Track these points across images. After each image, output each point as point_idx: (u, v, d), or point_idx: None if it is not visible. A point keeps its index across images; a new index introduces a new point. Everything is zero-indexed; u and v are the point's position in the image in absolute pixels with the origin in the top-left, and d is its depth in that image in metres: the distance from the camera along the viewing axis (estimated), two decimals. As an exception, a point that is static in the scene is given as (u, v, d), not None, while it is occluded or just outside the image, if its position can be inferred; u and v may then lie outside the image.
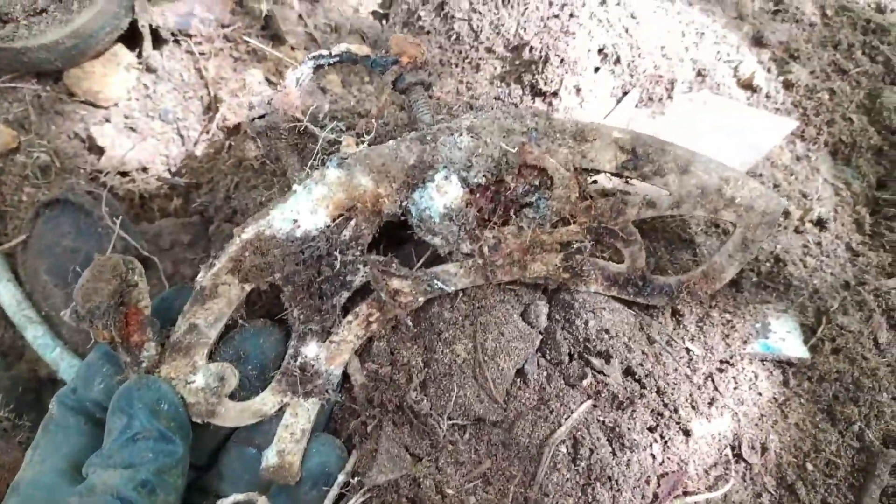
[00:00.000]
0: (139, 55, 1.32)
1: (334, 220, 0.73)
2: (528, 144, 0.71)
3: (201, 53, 1.31)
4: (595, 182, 0.87)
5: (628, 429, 0.88)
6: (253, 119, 0.74)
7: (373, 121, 0.79)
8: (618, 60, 1.18)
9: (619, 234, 0.78)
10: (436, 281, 0.80)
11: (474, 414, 0.88)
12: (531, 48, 1.16)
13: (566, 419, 0.88)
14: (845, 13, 1.37)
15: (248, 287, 0.74)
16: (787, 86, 1.27)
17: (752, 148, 1.17)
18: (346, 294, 0.78)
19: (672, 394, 0.91)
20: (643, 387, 0.91)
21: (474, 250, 0.77)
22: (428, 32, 1.26)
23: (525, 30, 1.19)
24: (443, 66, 1.25)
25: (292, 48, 1.33)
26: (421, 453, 0.87)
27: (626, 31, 1.20)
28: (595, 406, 0.90)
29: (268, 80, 1.29)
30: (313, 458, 0.80)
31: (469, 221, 0.74)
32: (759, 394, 0.95)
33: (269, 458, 0.77)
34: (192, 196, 1.25)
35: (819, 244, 1.09)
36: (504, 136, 0.72)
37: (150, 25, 1.28)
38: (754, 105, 1.24)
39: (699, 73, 1.24)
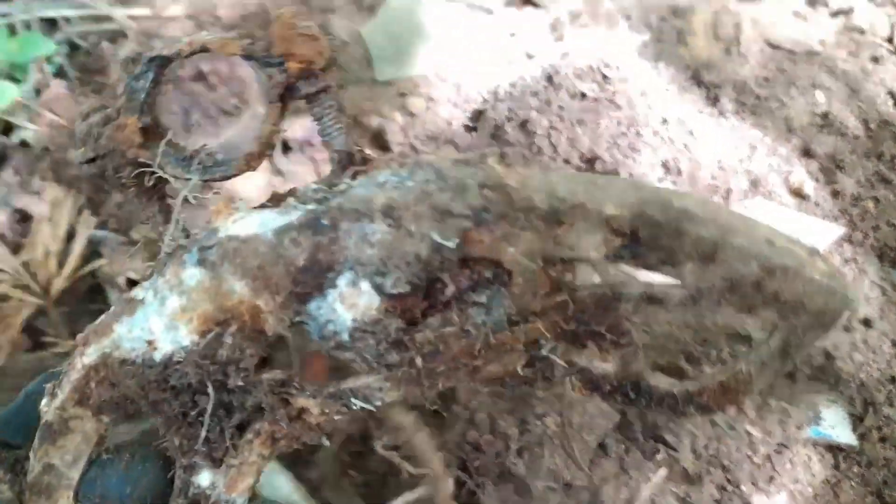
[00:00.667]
0: (270, 159, 1.56)
1: (203, 336, 0.52)
2: (476, 231, 0.49)
3: (321, 160, 1.54)
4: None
5: (697, 500, 1.03)
6: (81, 163, 0.53)
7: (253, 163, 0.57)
8: (679, 172, 1.36)
9: (605, 335, 0.59)
10: (354, 400, 0.56)
11: (563, 479, 1.04)
12: (603, 161, 1.35)
13: (645, 486, 1.03)
14: (887, 127, 1.52)
15: (105, 419, 0.56)
16: (834, 194, 1.42)
17: (802, 250, 1.33)
18: (238, 417, 0.57)
19: (735, 471, 1.06)
20: (709, 464, 1.06)
21: (403, 361, 0.54)
22: (512, 144, 1.47)
23: (597, 145, 1.38)
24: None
25: (395, 155, 1.55)
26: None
27: (686, 146, 1.38)
28: (668, 478, 1.05)
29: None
30: None
31: (391, 333, 0.52)
32: (813, 475, 1.08)
33: None
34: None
35: (866, 341, 1.23)
36: (438, 222, 0.49)
37: (282, 137, 1.53)
38: (804, 211, 1.40)
39: (753, 183, 1.41)
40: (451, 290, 0.51)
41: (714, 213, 0.53)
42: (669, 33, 1.60)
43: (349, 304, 0.51)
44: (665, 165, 1.35)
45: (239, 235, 0.51)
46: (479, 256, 0.51)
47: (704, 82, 1.55)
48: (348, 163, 0.52)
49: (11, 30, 1.82)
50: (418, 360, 0.53)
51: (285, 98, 0.55)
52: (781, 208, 1.38)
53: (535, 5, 1.90)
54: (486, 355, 0.54)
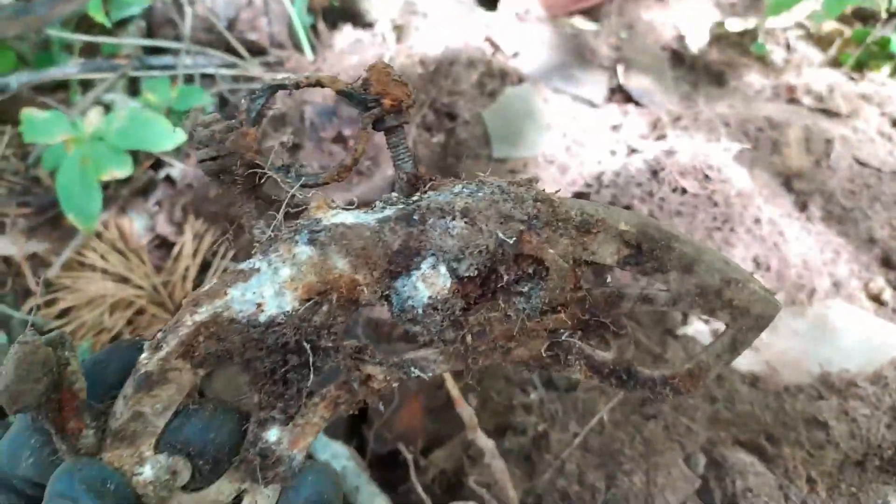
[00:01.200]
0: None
1: (303, 303, 0.61)
2: (528, 234, 0.61)
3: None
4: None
5: (767, 570, 1.12)
6: (203, 160, 0.61)
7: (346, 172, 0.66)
8: (768, 268, 1.48)
9: (609, 326, 0.70)
10: (413, 368, 0.70)
11: None
12: (698, 251, 1.49)
13: (719, 551, 1.13)
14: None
15: (202, 372, 0.62)
16: (912, 304, 1.53)
17: (877, 351, 1.42)
18: (315, 380, 0.67)
19: (806, 546, 1.14)
20: (782, 536, 1.15)
21: (457, 338, 0.67)
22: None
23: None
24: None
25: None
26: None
27: (776, 245, 1.51)
28: (741, 546, 1.14)
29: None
30: (305, 489, 0.66)
31: (455, 312, 0.64)
32: (879, 560, 1.16)
33: None
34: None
35: (936, 441, 1.31)
36: (502, 223, 0.61)
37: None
38: (881, 317, 1.50)
39: (835, 285, 1.53)
40: (504, 279, 0.62)
41: (691, 237, 0.68)
42: (765, 143, 1.75)
43: (428, 283, 0.61)
44: (756, 261, 1.47)
45: (346, 223, 0.60)
46: (527, 254, 0.62)
47: (795, 190, 1.69)
48: (415, 182, 0.63)
49: (173, 80, 2.08)
50: (468, 338, 0.64)
51: (375, 126, 0.65)
52: (861, 311, 1.49)
53: (637, 103, 2.08)
54: (519, 339, 0.66)
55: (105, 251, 1.76)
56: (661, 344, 1.41)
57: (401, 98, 0.64)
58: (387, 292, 0.63)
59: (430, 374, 0.68)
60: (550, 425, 1.28)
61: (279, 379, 0.63)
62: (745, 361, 1.40)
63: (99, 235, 1.80)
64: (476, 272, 0.62)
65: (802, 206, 1.67)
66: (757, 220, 1.52)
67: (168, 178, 1.95)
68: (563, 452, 1.25)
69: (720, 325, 1.37)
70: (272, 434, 0.64)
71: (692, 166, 1.55)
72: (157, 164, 1.98)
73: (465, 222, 0.60)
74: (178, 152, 1.95)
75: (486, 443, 1.11)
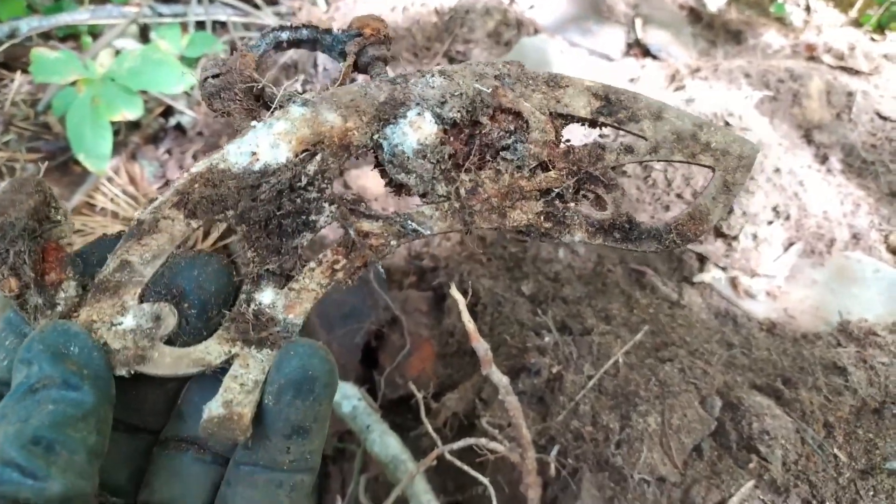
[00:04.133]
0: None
1: (297, 155, 0.63)
2: (502, 88, 0.66)
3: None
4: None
5: (783, 510, 1.11)
6: (205, 78, 0.63)
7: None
8: (788, 217, 1.46)
9: (599, 178, 0.72)
10: (410, 222, 0.68)
11: (658, 474, 1.13)
12: (716, 199, 1.47)
13: (735, 490, 1.11)
14: None
15: (194, 224, 0.61)
16: (933, 256, 1.50)
17: (898, 303, 1.41)
18: (308, 235, 0.66)
19: (821, 488, 1.13)
20: (797, 478, 1.14)
21: (450, 192, 0.68)
22: (629, 176, 1.59)
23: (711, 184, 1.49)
24: (638, 203, 1.57)
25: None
26: (613, 495, 1.13)
27: (796, 195, 1.49)
28: (757, 486, 1.13)
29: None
30: (290, 362, 0.58)
31: (444, 160, 0.67)
32: (894, 503, 1.15)
33: (214, 408, 0.60)
34: (426, 275, 1.60)
35: (957, 389, 1.29)
36: (477, 79, 0.67)
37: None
38: (902, 269, 1.48)
39: (854, 237, 1.50)
40: (488, 134, 0.66)
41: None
42: (786, 94, 1.72)
43: (416, 127, 0.64)
44: (775, 209, 1.45)
45: (333, 90, 0.65)
46: (505, 107, 0.66)
47: (815, 141, 1.66)
48: None
49: (184, 28, 2.05)
50: (462, 191, 0.67)
51: (357, 60, 0.70)
52: (880, 263, 1.46)
53: (655, 57, 2.05)
54: (513, 198, 0.68)
55: (115, 196, 1.75)
56: (678, 290, 1.40)
57: (378, 28, 0.70)
58: (376, 136, 0.65)
59: (428, 232, 0.67)
60: (565, 367, 1.27)
61: (273, 230, 0.63)
62: (762, 309, 1.39)
63: (109, 181, 1.78)
64: (459, 115, 0.65)
65: (823, 159, 1.64)
66: (777, 170, 1.50)
67: (178, 126, 1.93)
68: (578, 394, 1.24)
69: (737, 272, 1.35)
70: (266, 295, 0.63)
71: (713, 113, 1.52)
72: (168, 112, 1.96)
73: (443, 78, 0.65)
74: (189, 99, 1.93)
75: (500, 378, 1.09)
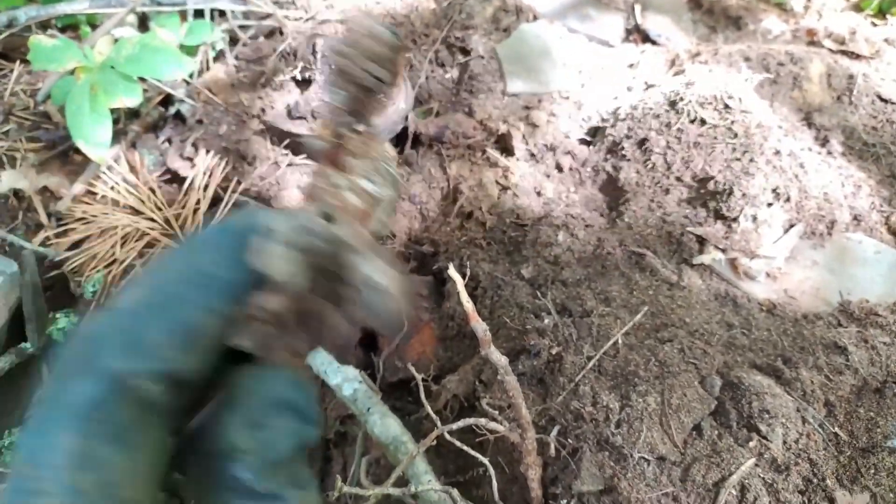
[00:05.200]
0: (401, 151, 1.73)
1: None
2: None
3: (448, 156, 1.69)
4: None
5: (783, 488, 1.10)
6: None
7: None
8: (788, 199, 1.45)
9: None
10: None
11: (658, 453, 1.13)
12: (716, 181, 1.46)
13: (735, 469, 1.11)
14: None
15: None
16: (934, 238, 1.50)
17: (899, 284, 1.40)
18: None
19: (821, 466, 1.13)
20: (798, 456, 1.14)
21: None
22: (628, 160, 1.59)
23: (711, 167, 1.49)
24: (637, 187, 1.56)
25: (517, 159, 1.69)
26: (613, 474, 1.13)
27: (796, 176, 1.48)
28: (757, 465, 1.13)
29: (497, 182, 1.65)
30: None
31: None
32: (895, 481, 1.15)
33: None
34: (426, 260, 1.60)
35: (957, 369, 1.29)
36: None
37: (415, 131, 1.69)
38: (903, 250, 1.48)
39: (855, 218, 1.50)
40: None
41: None
42: (786, 77, 1.71)
43: None
44: (775, 191, 1.45)
45: None
46: None
47: (815, 124, 1.66)
48: None
49: (182, 16, 2.05)
50: None
51: None
52: (881, 244, 1.46)
53: (654, 42, 2.04)
54: None
55: (116, 185, 1.75)
56: (677, 272, 1.39)
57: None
58: None
59: None
60: (564, 348, 1.27)
61: None
62: (762, 290, 1.38)
63: (109, 169, 1.78)
64: None
65: (823, 141, 1.64)
66: (777, 152, 1.49)
67: (178, 115, 1.93)
68: (577, 375, 1.24)
69: (737, 254, 1.34)
70: None
71: (712, 96, 1.52)
72: (167, 100, 1.96)
73: None
74: (188, 88, 1.93)
75: (498, 358, 1.09)
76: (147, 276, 0.42)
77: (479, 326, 1.15)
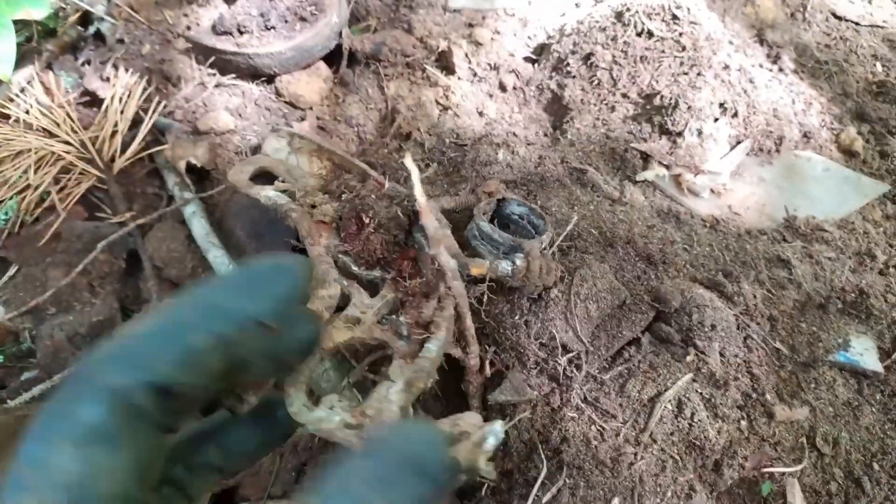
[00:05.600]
0: (336, 71, 1.63)
1: None
2: None
3: (385, 75, 1.60)
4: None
5: (721, 403, 1.06)
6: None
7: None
8: (735, 114, 1.40)
9: None
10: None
11: (559, 340, 1.08)
12: (662, 96, 1.39)
13: (672, 384, 1.07)
14: (943, 101, 1.56)
15: None
16: (883, 155, 1.45)
17: (847, 200, 1.36)
18: None
19: (762, 381, 1.09)
20: (738, 371, 1.10)
21: None
22: (573, 77, 1.51)
23: (657, 82, 1.42)
24: (582, 105, 1.49)
25: (458, 78, 1.60)
26: (527, 378, 1.08)
27: (745, 91, 1.42)
28: (695, 380, 1.09)
29: (438, 102, 1.56)
30: None
31: None
32: (836, 396, 1.11)
33: None
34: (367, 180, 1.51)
35: (900, 285, 1.26)
36: None
37: (350, 49, 1.59)
38: (851, 168, 1.43)
39: (805, 135, 1.45)
40: None
41: None
42: (738, -9, 1.64)
43: None
44: (723, 106, 1.39)
45: None
46: None
47: (767, 41, 1.59)
48: None
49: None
50: None
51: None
52: (831, 162, 1.41)
53: (606, -40, 1.95)
54: None
55: (30, 107, 1.63)
56: (619, 188, 1.33)
57: None
58: None
59: None
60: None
61: None
62: (706, 205, 1.33)
63: (23, 91, 1.66)
64: None
65: (775, 58, 1.58)
66: (726, 67, 1.43)
67: (98, 35, 1.80)
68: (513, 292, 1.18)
69: (681, 170, 1.28)
70: None
71: (660, 6, 1.44)
72: (86, 19, 1.82)
73: None
74: (109, 4, 1.79)
75: (447, 261, 1.02)
76: (162, 306, 0.46)
77: (432, 223, 1.07)
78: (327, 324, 0.76)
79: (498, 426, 0.63)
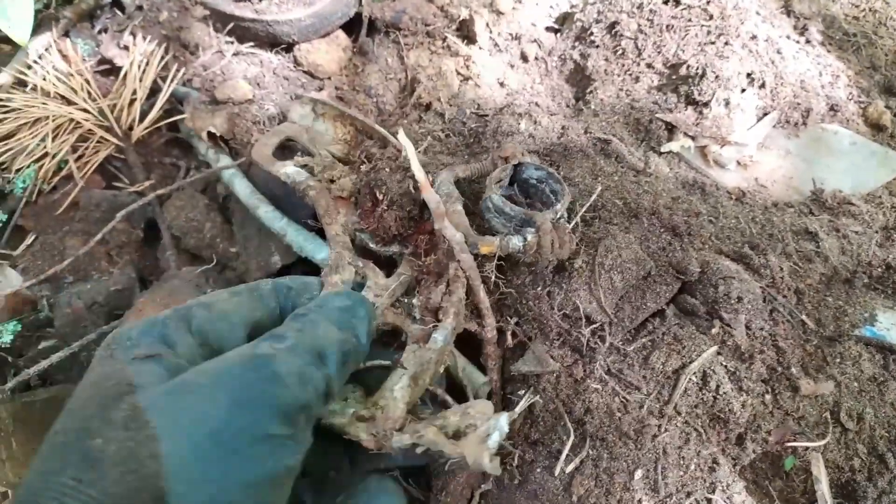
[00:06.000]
0: (355, 40, 1.61)
1: None
2: None
3: (405, 44, 1.58)
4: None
5: (745, 376, 1.05)
6: None
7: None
8: (763, 85, 1.37)
9: None
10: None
11: (582, 311, 1.07)
12: (688, 66, 1.37)
13: (697, 356, 1.06)
14: (973, 75, 1.52)
15: None
16: (912, 129, 1.43)
17: (873, 173, 1.33)
18: None
19: (788, 354, 1.08)
20: (763, 345, 1.08)
21: None
22: (597, 46, 1.49)
23: (684, 51, 1.40)
24: (606, 75, 1.47)
25: (479, 48, 1.58)
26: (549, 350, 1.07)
27: (772, 62, 1.40)
28: (720, 353, 1.08)
29: (458, 72, 1.54)
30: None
31: None
32: (861, 371, 1.10)
33: None
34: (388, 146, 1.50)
35: (928, 258, 1.24)
36: None
37: (370, 17, 1.57)
38: (879, 142, 1.41)
39: (832, 108, 1.42)
40: None
41: None
42: (765, -39, 1.60)
43: None
44: (750, 76, 1.36)
45: None
46: None
47: (795, 12, 1.56)
48: None
49: None
50: None
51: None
52: (858, 136, 1.39)
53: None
54: None
55: (47, 74, 1.61)
56: (644, 159, 1.31)
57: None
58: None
59: None
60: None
61: None
62: (732, 177, 1.31)
63: (41, 59, 1.64)
64: None
65: (802, 30, 1.54)
66: (753, 37, 1.40)
67: (116, 2, 1.78)
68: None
69: (707, 141, 1.25)
70: None
71: (688, -25, 1.41)
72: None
73: None
74: (126, -28, 1.77)
75: (452, 234, 1.01)
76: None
77: (433, 197, 1.06)
78: None
79: (503, 420, 0.63)
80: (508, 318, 1.13)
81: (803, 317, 1.12)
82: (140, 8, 1.72)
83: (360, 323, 0.64)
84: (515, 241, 1.02)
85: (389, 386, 0.72)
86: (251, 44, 1.59)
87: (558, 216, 1.08)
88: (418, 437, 0.63)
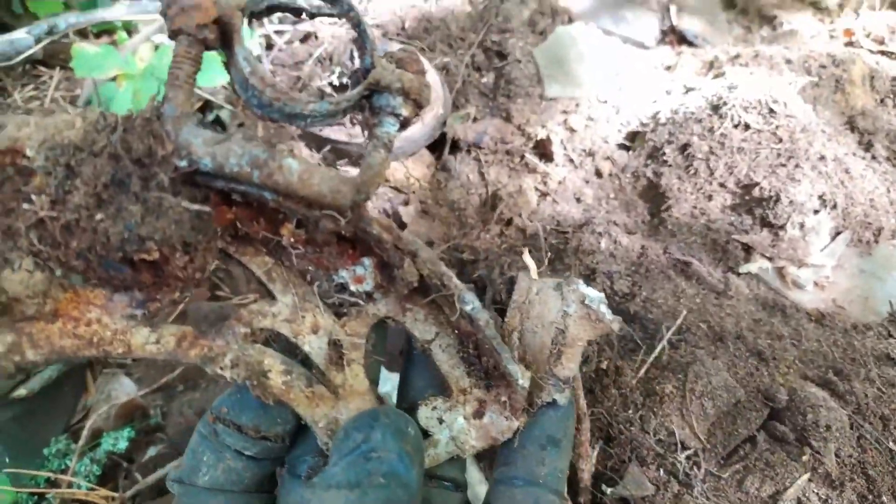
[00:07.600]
0: (438, 157, 1.73)
1: None
2: None
3: (485, 161, 1.69)
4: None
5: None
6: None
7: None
8: (835, 206, 1.44)
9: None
10: None
11: (677, 437, 1.12)
12: (761, 188, 1.45)
13: (791, 483, 1.10)
14: None
15: None
16: (984, 245, 1.47)
17: (949, 292, 1.38)
18: None
19: (878, 482, 1.12)
20: (853, 472, 1.13)
21: None
22: (670, 165, 1.58)
23: (755, 172, 1.47)
24: (679, 193, 1.55)
25: (556, 165, 1.68)
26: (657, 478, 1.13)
27: (842, 182, 1.46)
28: (811, 480, 1.12)
29: (536, 188, 1.64)
30: None
31: None
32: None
33: None
34: (466, 267, 1.60)
35: None
36: None
37: (454, 137, 1.69)
38: (951, 258, 1.45)
39: (902, 225, 1.48)
40: None
41: None
42: (828, 80, 1.69)
43: None
44: (822, 198, 1.43)
45: None
46: None
47: (859, 128, 1.63)
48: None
49: (217, 22, 2.04)
50: None
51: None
52: (930, 252, 1.44)
53: (691, 44, 2.02)
54: None
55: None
56: (724, 281, 1.38)
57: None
58: None
59: None
60: (613, 357, 1.26)
61: None
62: (810, 299, 1.37)
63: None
64: None
65: (867, 146, 1.61)
66: (822, 158, 1.47)
67: (217, 121, 1.94)
68: (629, 378, 1.23)
69: (784, 263, 1.32)
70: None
71: (756, 100, 1.50)
72: (206, 106, 1.97)
73: None
74: (227, 94, 1.93)
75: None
76: None
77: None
78: None
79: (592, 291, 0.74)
80: (596, 442, 1.20)
81: (890, 444, 1.16)
82: (241, 125, 1.87)
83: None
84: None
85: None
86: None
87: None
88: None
